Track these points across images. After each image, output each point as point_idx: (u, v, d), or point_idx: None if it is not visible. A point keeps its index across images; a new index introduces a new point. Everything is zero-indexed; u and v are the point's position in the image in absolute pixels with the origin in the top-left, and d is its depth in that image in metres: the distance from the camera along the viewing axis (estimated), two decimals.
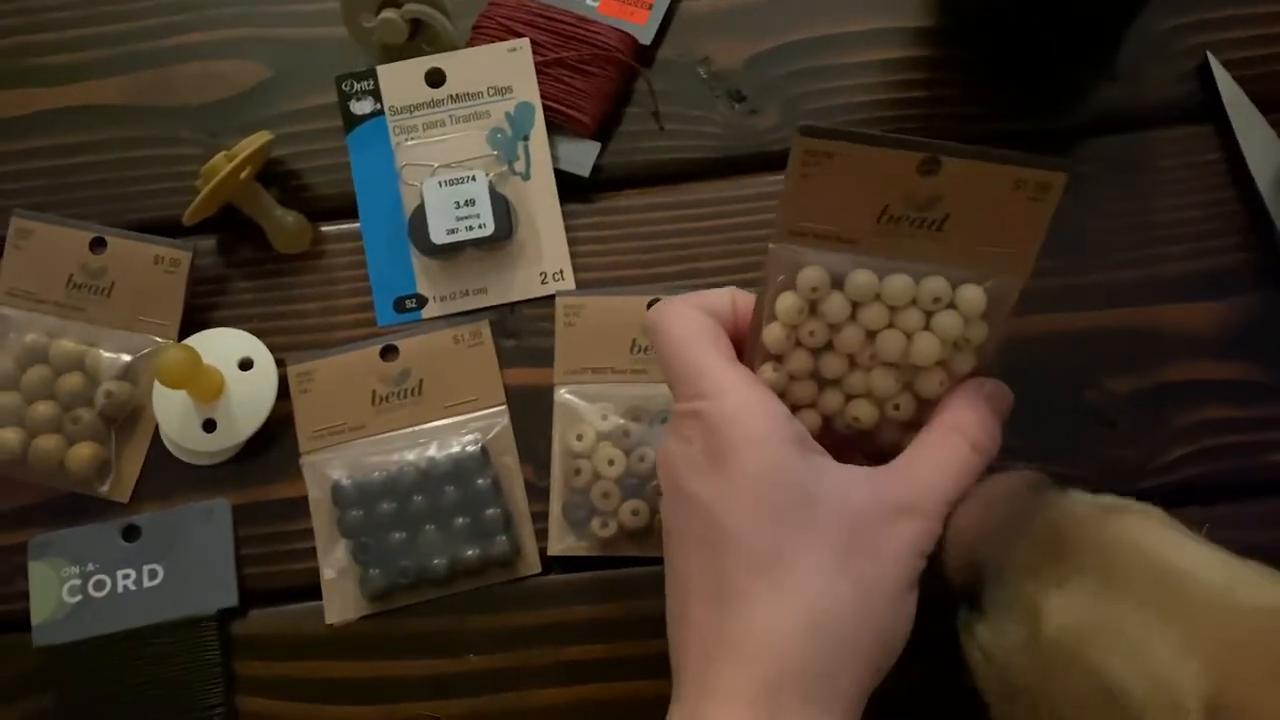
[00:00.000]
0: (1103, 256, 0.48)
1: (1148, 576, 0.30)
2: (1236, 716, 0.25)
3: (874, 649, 0.32)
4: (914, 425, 0.38)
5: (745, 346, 0.37)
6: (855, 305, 0.37)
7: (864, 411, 0.37)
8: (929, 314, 0.36)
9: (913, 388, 0.37)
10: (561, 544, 0.45)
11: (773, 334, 0.37)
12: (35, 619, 0.45)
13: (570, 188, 0.49)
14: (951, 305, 0.36)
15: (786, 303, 0.36)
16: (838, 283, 0.36)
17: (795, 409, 0.37)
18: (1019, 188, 0.36)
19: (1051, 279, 0.47)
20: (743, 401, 0.34)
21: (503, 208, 0.47)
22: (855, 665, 0.32)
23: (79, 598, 0.45)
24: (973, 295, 0.36)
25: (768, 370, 0.37)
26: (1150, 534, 0.31)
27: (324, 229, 0.50)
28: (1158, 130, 0.49)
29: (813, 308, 0.37)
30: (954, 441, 0.35)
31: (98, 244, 0.48)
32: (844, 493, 0.33)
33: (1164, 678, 0.27)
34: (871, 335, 0.37)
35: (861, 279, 0.36)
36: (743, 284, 0.43)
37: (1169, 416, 0.46)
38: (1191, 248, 0.48)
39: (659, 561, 0.44)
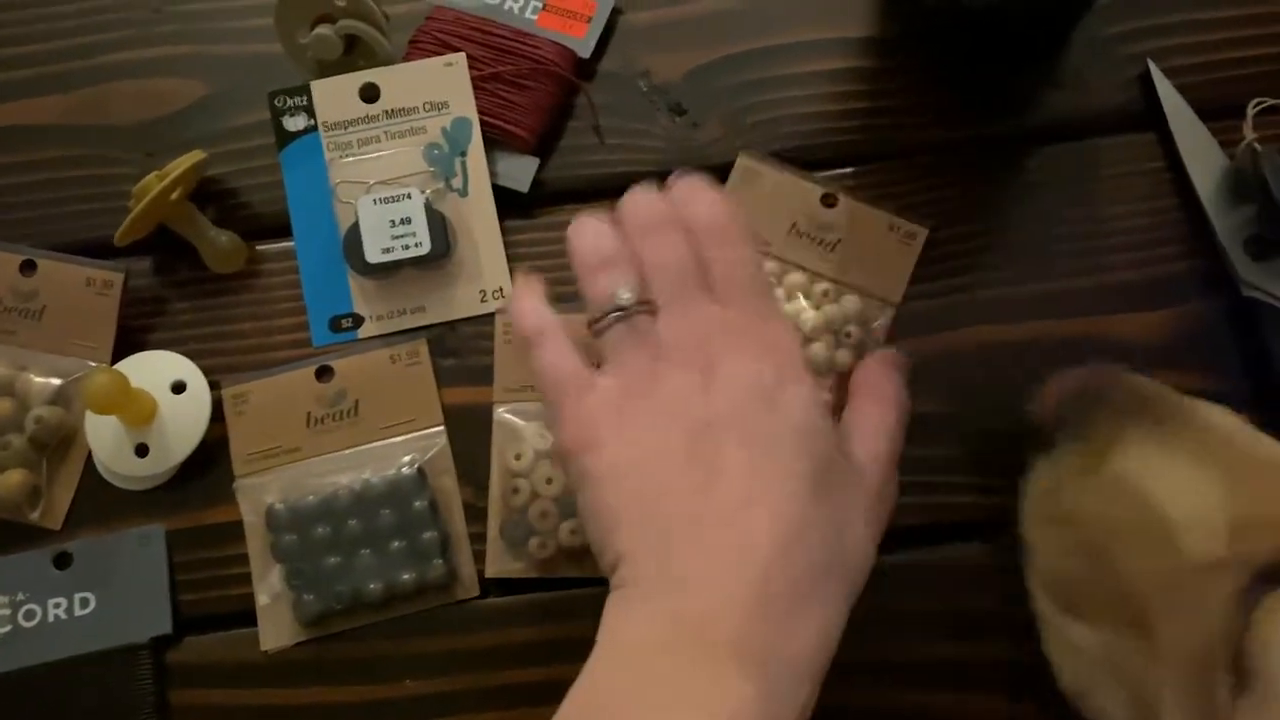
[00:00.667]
0: (1048, 265, 0.47)
1: (1207, 440, 0.34)
2: (1254, 529, 0.30)
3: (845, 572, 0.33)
4: None
5: None
6: None
7: None
8: (818, 306, 0.46)
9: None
10: (499, 565, 0.45)
11: None
12: None
13: (510, 203, 0.49)
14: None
15: None
16: None
17: None
18: (893, 230, 0.47)
19: (997, 289, 0.47)
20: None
21: (439, 225, 0.47)
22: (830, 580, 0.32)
23: (8, 628, 0.44)
24: (850, 301, 0.46)
25: None
26: (1221, 416, 0.35)
27: (260, 248, 0.49)
28: (1102, 138, 0.49)
29: None
30: (883, 410, 0.38)
31: (28, 266, 0.48)
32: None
33: (1201, 505, 0.32)
34: None
35: (770, 266, 0.47)
36: None
37: None
38: (1136, 256, 0.47)
39: (599, 582, 0.44)
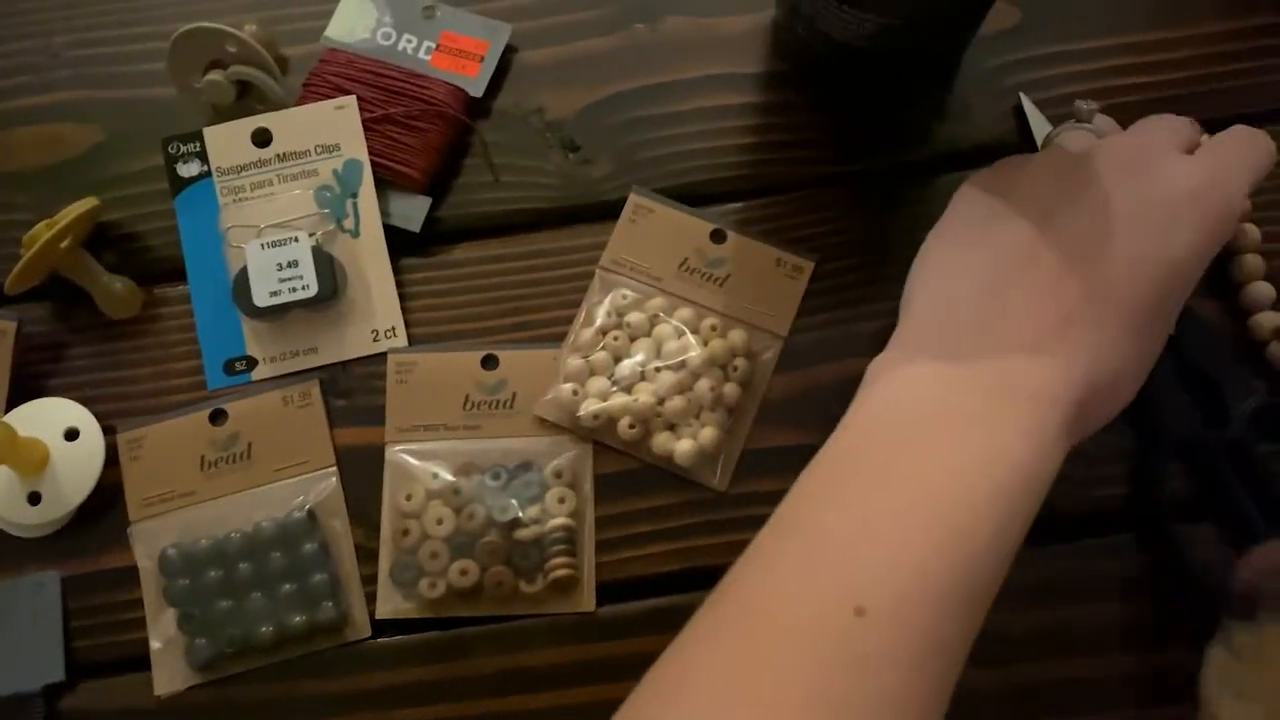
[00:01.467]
0: None
1: None
2: None
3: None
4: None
5: None
6: (652, 322, 0.47)
7: (644, 404, 0.46)
8: (705, 342, 0.46)
9: (688, 391, 0.46)
10: (389, 605, 0.45)
11: (585, 336, 0.47)
12: None
13: (404, 243, 0.49)
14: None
15: (601, 309, 0.47)
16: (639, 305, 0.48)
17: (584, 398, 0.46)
18: (780, 265, 0.48)
19: (882, 320, 0.48)
20: None
21: (328, 267, 0.47)
22: None
23: None
24: (737, 334, 0.47)
25: (575, 360, 0.46)
26: None
27: (156, 291, 0.49)
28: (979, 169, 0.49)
29: (619, 320, 0.47)
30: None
31: None
32: None
33: None
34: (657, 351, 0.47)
35: (658, 302, 0.48)
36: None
37: None
38: None
39: (490, 620, 0.45)
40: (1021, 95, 0.49)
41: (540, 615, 0.45)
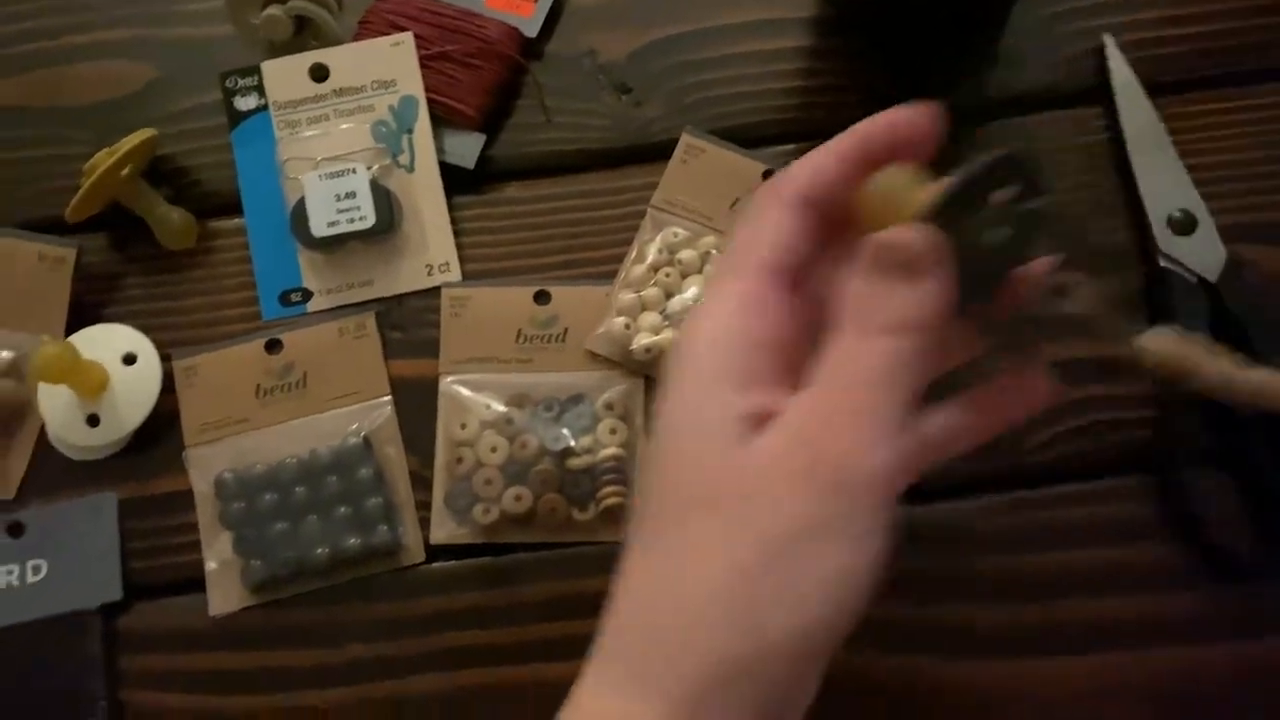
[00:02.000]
0: None
1: None
2: None
3: (750, 640, 0.26)
4: None
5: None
6: (704, 260, 0.47)
7: None
8: None
9: None
10: (443, 531, 0.45)
11: (637, 272, 0.47)
12: None
13: (458, 180, 0.50)
14: None
15: (653, 247, 0.48)
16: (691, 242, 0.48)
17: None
18: None
19: None
20: (702, 334, 0.29)
21: (384, 200, 0.48)
22: (709, 657, 0.26)
23: None
24: None
25: (627, 295, 0.47)
26: None
27: (211, 225, 0.50)
28: (1038, 114, 0.50)
29: (671, 257, 0.47)
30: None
31: None
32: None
33: None
34: None
35: (711, 240, 0.48)
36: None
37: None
38: (1072, 228, 0.48)
39: (543, 546, 0.45)
40: (1106, 38, 0.49)
41: (591, 543, 0.45)
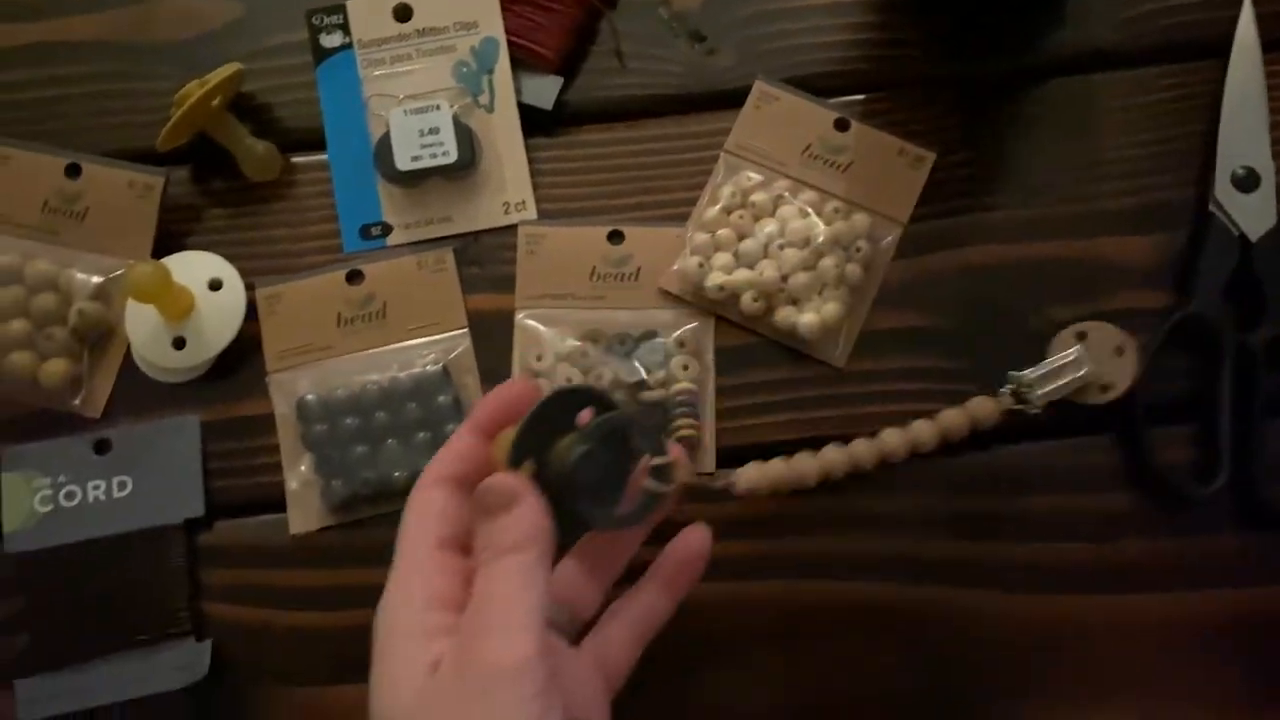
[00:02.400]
0: (1048, 191, 0.49)
1: None
2: None
3: None
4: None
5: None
6: (776, 203, 0.49)
7: (769, 277, 0.47)
8: (829, 223, 0.48)
9: (812, 268, 0.47)
10: None
11: (710, 214, 0.48)
12: (7, 528, 0.46)
13: (533, 121, 0.51)
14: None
15: (726, 190, 0.49)
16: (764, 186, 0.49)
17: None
18: (902, 154, 0.50)
19: (998, 213, 0.49)
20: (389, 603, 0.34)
21: (466, 137, 0.49)
22: None
23: (50, 508, 0.46)
24: (860, 218, 0.48)
25: (700, 235, 0.48)
26: None
27: (294, 160, 0.51)
28: (1099, 73, 0.51)
29: (744, 200, 0.48)
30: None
31: (73, 170, 0.50)
32: None
33: None
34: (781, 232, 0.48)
35: (783, 184, 0.49)
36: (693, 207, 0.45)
37: None
38: (1130, 184, 0.49)
39: None
40: None
41: None
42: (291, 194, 0.51)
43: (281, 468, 0.47)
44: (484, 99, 0.50)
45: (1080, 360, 0.45)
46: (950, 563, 0.45)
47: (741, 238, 0.48)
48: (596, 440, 0.35)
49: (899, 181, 0.49)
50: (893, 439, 0.45)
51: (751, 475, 0.44)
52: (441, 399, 0.47)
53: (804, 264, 0.47)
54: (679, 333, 0.48)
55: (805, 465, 0.44)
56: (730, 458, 0.46)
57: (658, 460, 0.37)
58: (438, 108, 0.49)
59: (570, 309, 0.48)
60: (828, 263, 0.47)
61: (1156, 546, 0.45)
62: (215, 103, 0.49)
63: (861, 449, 0.44)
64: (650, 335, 0.48)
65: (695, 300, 0.48)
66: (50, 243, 0.49)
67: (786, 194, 0.49)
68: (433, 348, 0.48)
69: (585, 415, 0.36)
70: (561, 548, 0.35)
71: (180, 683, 0.44)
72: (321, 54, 0.51)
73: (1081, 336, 0.46)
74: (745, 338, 0.48)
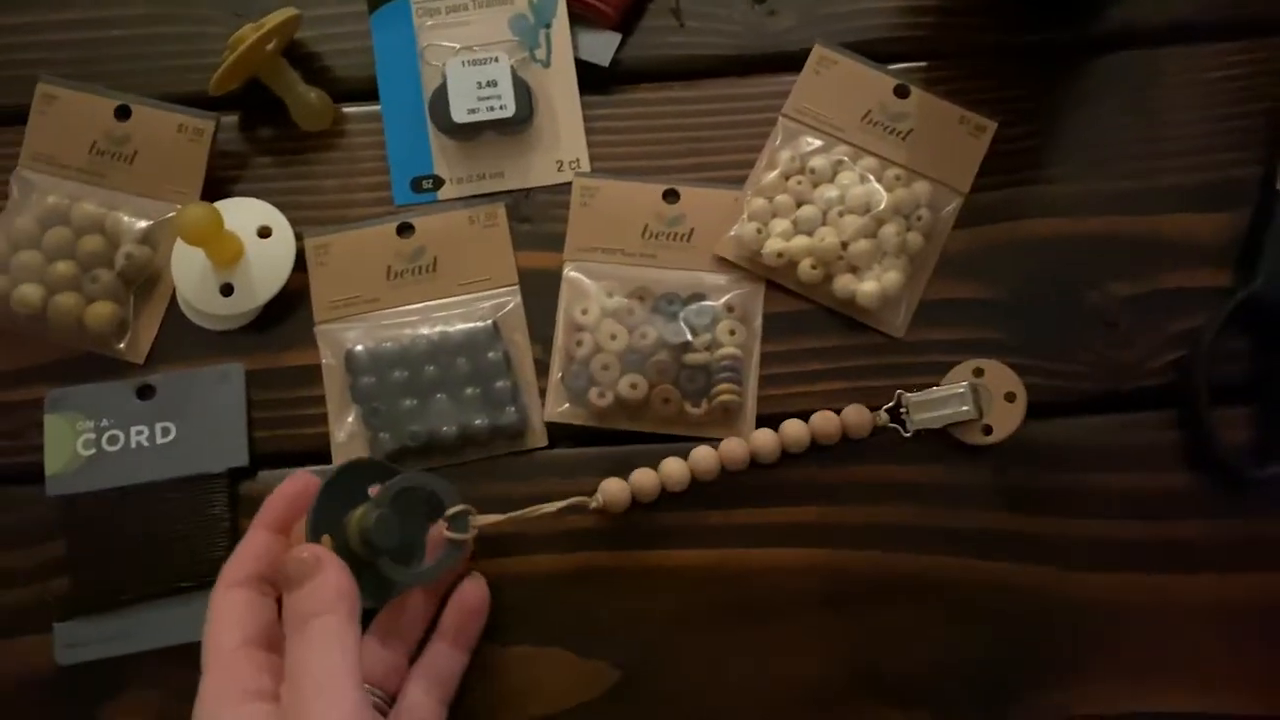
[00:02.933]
0: (1110, 165, 0.49)
1: None
2: None
3: None
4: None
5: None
6: (835, 169, 0.48)
7: (829, 245, 0.46)
8: (890, 190, 0.47)
9: (872, 236, 0.47)
10: (558, 409, 0.46)
11: (768, 179, 0.47)
12: (49, 470, 0.46)
13: (589, 78, 0.50)
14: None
15: (785, 154, 0.48)
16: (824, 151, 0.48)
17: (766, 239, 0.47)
18: (963, 123, 0.49)
19: (1059, 185, 0.48)
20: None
21: (524, 91, 0.48)
22: None
23: (92, 451, 0.46)
24: (921, 186, 0.47)
25: (759, 200, 0.47)
26: None
27: (345, 110, 0.51)
28: (1165, 47, 0.50)
29: (803, 165, 0.48)
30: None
31: (122, 112, 0.49)
32: None
33: None
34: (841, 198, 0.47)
35: (843, 149, 0.49)
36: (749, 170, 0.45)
37: (1164, 321, 0.47)
38: (1196, 161, 0.49)
39: (658, 439, 0.46)
40: None
41: (700, 438, 0.46)
42: (342, 144, 0.50)
43: (326, 419, 0.47)
44: (540, 53, 0.49)
45: (965, 397, 0.44)
46: (1007, 536, 0.45)
47: (800, 204, 0.48)
48: (388, 503, 0.38)
49: (960, 150, 0.48)
50: (762, 439, 0.44)
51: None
52: (491, 355, 0.46)
53: (864, 231, 0.46)
54: (728, 297, 0.47)
55: (645, 480, 0.44)
56: (769, 424, 0.46)
57: (453, 510, 0.40)
58: (496, 60, 0.48)
59: (619, 265, 0.48)
60: (889, 230, 0.46)
61: (1214, 527, 0.45)
62: (270, 47, 0.48)
63: (703, 457, 0.44)
64: (699, 297, 0.47)
65: (751, 267, 0.47)
66: (97, 185, 0.49)
67: (846, 159, 0.48)
68: (482, 304, 0.47)
69: (375, 489, 0.39)
70: (368, 612, 0.37)
71: None
72: (376, 1, 0.50)
73: (979, 373, 0.45)
74: (795, 304, 0.48)
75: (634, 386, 0.45)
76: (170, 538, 0.45)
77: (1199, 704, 0.43)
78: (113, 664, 0.44)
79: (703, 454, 0.44)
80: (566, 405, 0.46)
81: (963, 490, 0.45)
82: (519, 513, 0.42)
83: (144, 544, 0.45)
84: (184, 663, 0.44)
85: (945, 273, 0.48)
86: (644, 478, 0.44)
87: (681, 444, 0.46)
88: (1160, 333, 0.47)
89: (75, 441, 0.46)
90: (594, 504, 0.43)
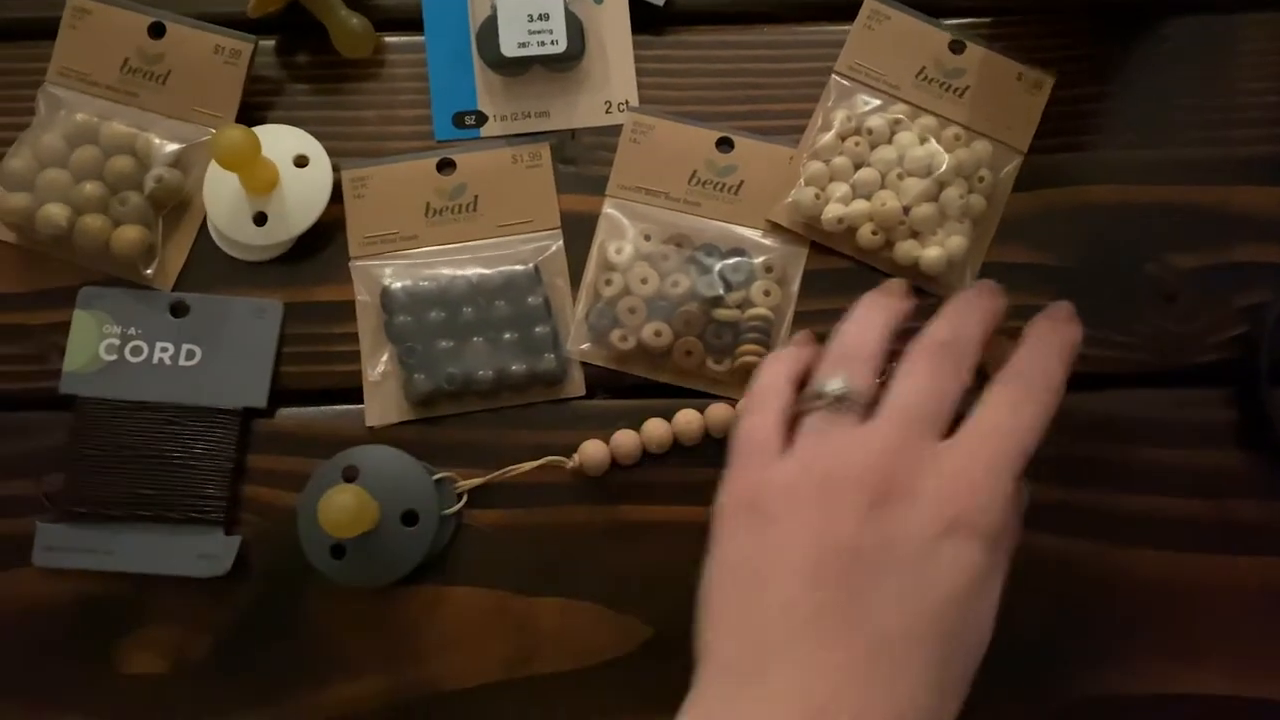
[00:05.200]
0: (1178, 133, 0.47)
1: None
2: None
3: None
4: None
5: None
6: (893, 129, 0.46)
7: (891, 209, 0.44)
8: (950, 150, 0.45)
9: (937, 198, 0.45)
10: (579, 346, 0.45)
11: (824, 140, 0.46)
12: (68, 366, 0.44)
13: (642, 18, 0.48)
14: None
15: (840, 115, 0.46)
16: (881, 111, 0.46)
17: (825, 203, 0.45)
18: (1020, 79, 0.47)
19: (1124, 151, 0.47)
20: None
21: (576, 27, 0.46)
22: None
23: (114, 357, 0.44)
24: (981, 145, 0.46)
25: (815, 164, 0.45)
26: None
27: (387, 39, 0.49)
28: (1243, 13, 0.48)
29: (859, 126, 0.46)
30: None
31: (156, 29, 0.47)
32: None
33: None
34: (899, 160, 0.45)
35: (901, 108, 0.46)
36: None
37: (1228, 295, 0.45)
38: (1267, 132, 0.47)
39: (696, 394, 0.44)
40: None
41: (719, 396, 0.44)
42: (383, 74, 0.48)
43: (358, 357, 0.45)
44: None
45: None
46: (1054, 508, 0.43)
47: (858, 166, 0.46)
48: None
49: (1018, 107, 0.47)
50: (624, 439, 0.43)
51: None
52: (531, 300, 0.45)
53: (927, 195, 0.45)
54: (768, 257, 0.45)
55: (625, 441, 0.43)
56: None
57: (439, 475, 0.43)
58: None
59: (662, 208, 0.46)
60: (952, 193, 0.45)
61: (1268, 509, 0.44)
62: None
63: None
64: (738, 253, 0.45)
65: (807, 233, 0.46)
66: (128, 104, 0.47)
67: (904, 118, 0.46)
68: (524, 246, 0.46)
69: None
70: None
71: (201, 572, 0.43)
72: None
73: None
74: (837, 263, 0.46)
75: (658, 334, 0.44)
76: (170, 464, 0.44)
77: (1240, 688, 0.42)
78: (130, 596, 0.43)
79: (690, 416, 0.43)
80: (587, 344, 0.45)
81: None
82: (495, 474, 0.43)
83: (141, 464, 0.44)
84: (205, 597, 0.43)
85: (1006, 236, 0.46)
86: (625, 438, 0.43)
87: (705, 399, 0.44)
88: (1222, 307, 0.45)
89: (99, 344, 0.44)
90: (571, 464, 0.42)
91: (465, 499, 0.43)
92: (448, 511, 0.42)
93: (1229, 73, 0.48)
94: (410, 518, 0.42)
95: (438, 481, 0.42)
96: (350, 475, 0.43)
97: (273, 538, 0.44)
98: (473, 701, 0.43)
